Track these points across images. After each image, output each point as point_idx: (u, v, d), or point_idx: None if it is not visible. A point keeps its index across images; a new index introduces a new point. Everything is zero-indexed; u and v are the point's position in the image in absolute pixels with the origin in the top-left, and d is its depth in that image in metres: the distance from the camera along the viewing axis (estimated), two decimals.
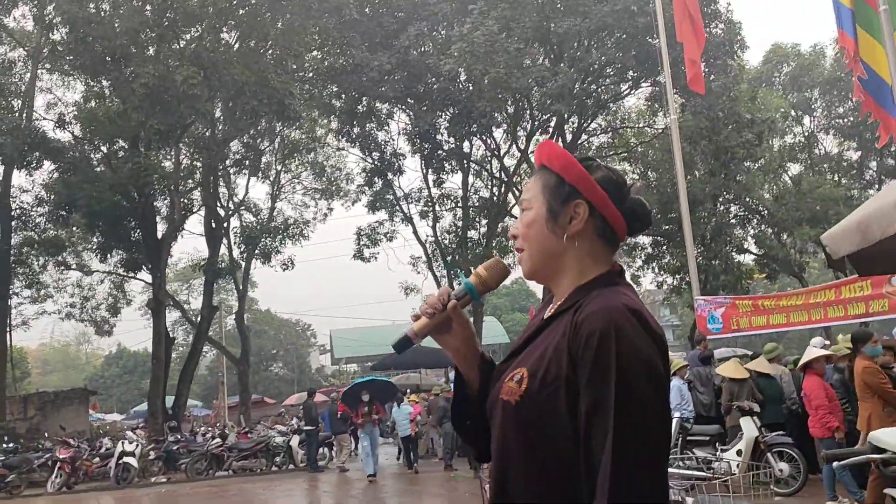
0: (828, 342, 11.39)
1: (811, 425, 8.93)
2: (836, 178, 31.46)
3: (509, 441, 1.57)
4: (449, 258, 26.83)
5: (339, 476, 17.70)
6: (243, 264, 29.53)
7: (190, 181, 26.40)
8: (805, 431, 9.30)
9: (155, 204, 25.16)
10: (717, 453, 10.78)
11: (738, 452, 10.54)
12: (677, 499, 2.97)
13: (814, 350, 9.43)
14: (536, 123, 25.47)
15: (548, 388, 1.52)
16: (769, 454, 10.22)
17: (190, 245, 59.05)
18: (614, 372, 1.44)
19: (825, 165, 32.44)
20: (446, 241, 27.37)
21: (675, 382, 11.64)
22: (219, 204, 28.15)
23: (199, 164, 26.33)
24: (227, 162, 27.07)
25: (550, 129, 25.66)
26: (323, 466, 19.42)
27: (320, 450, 20.02)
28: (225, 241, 28.67)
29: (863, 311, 11.79)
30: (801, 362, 10.01)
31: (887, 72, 10.25)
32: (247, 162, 27.56)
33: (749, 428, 10.54)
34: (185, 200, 25.98)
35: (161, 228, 25.47)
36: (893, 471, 2.65)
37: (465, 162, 26.29)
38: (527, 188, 1.75)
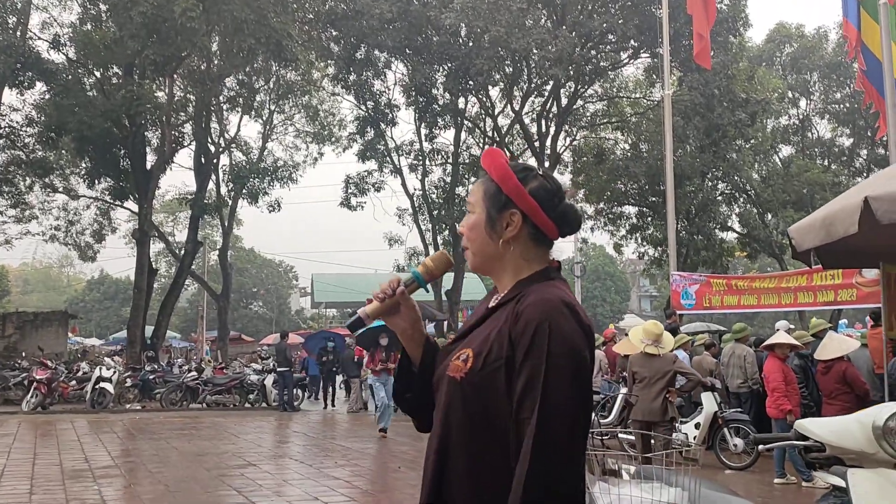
0: (792, 326, 11.68)
1: (767, 405, 9.23)
2: (826, 164, 31.62)
3: (453, 412, 1.78)
4: (435, 213, 26.96)
5: (309, 417, 18.09)
6: (230, 202, 29.50)
7: (182, 114, 26.22)
8: (764, 410, 9.61)
9: (146, 134, 25.03)
10: (677, 425, 11.16)
11: (697, 426, 10.91)
12: (614, 468, 3.18)
13: (780, 334, 9.71)
14: (533, 85, 25.39)
15: (489, 368, 1.74)
16: (726, 429, 10.57)
17: (178, 178, 58.70)
18: (545, 357, 1.66)
19: (816, 150, 32.54)
20: (434, 196, 27.47)
21: (681, 355, 11.80)
22: (209, 140, 28.02)
23: (192, 98, 26.14)
24: (221, 98, 26.87)
25: (546, 92, 25.61)
26: (297, 406, 19.84)
27: (294, 391, 20.47)
28: (213, 177, 28.60)
29: (831, 299, 12.10)
30: (765, 344, 10.32)
31: (879, 49, 10.37)
32: (240, 99, 27.34)
33: (709, 403, 10.88)
34: (176, 133, 25.82)
35: (150, 159, 25.38)
36: (814, 457, 2.87)
37: (458, 118, 26.24)
38: (472, 191, 1.93)
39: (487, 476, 1.72)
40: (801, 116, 32.46)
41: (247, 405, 20.15)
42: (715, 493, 3.17)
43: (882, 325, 5.99)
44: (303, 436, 14.64)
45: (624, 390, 10.01)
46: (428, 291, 2.00)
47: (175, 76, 24.82)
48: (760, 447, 3.26)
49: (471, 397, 1.74)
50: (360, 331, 2.06)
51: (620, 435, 9.66)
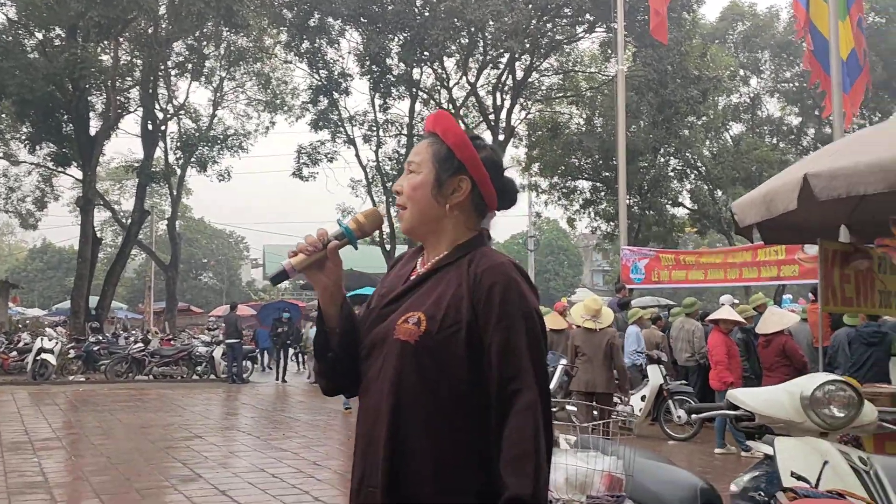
0: (736, 301, 11.92)
1: (711, 378, 9.44)
2: (775, 142, 32.21)
3: (406, 377, 1.72)
4: (389, 184, 26.77)
5: (258, 389, 17.97)
6: (179, 171, 28.88)
7: (128, 79, 25.49)
8: (709, 383, 9.81)
9: (90, 99, 24.31)
10: (623, 397, 11.36)
11: (643, 398, 11.12)
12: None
13: (724, 309, 9.89)
14: (489, 57, 25.27)
15: (448, 330, 1.71)
16: (670, 401, 10.78)
17: (124, 145, 57.39)
18: (521, 318, 1.70)
19: (766, 128, 33.12)
20: (388, 168, 27.26)
21: (633, 329, 12.02)
22: (157, 106, 27.29)
23: (138, 63, 25.36)
24: (169, 63, 26.15)
25: (502, 65, 25.51)
26: (246, 379, 19.67)
27: (244, 363, 20.29)
28: (161, 144, 27.93)
29: (775, 275, 12.36)
30: (709, 318, 10.53)
31: (827, 29, 10.53)
32: (189, 65, 26.64)
33: (655, 375, 11.08)
34: (122, 99, 25.13)
35: (95, 125, 24.69)
36: (744, 426, 2.92)
37: (413, 89, 26.00)
38: (416, 151, 1.87)
39: (447, 439, 1.69)
40: (751, 94, 32.94)
41: (195, 377, 19.90)
42: (649, 461, 3.21)
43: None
44: (251, 408, 14.53)
45: (564, 362, 10.17)
46: (356, 248, 1.92)
47: (121, 39, 24.07)
48: (694, 416, 3.30)
49: (426, 361, 1.71)
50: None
51: (568, 407, 9.80)
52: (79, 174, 25.09)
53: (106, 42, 23.46)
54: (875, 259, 5.71)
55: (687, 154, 28.02)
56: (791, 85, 31.75)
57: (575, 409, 8.89)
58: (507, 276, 1.71)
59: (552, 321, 12.60)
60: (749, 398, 2.86)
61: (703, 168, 29.34)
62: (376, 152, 26.81)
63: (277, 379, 20.00)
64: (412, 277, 1.86)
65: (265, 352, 25.13)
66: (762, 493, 2.77)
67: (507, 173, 1.91)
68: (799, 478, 2.32)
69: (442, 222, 1.83)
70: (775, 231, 5.85)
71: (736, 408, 2.87)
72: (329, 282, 1.86)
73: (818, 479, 2.27)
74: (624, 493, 2.86)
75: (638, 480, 3.01)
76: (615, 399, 11.25)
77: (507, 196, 1.89)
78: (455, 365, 1.70)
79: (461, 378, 1.70)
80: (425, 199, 1.82)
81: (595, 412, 8.23)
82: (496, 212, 1.91)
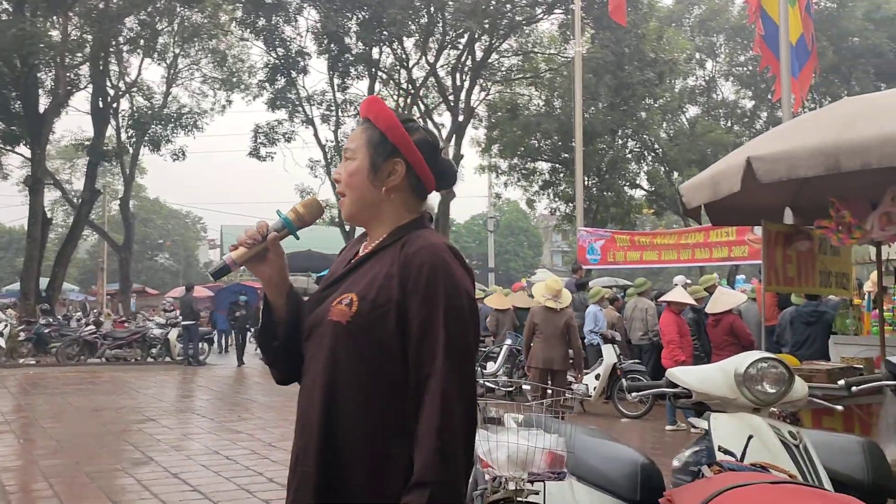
0: (689, 281, 12.15)
1: (663, 357, 9.63)
2: (729, 125, 32.70)
3: (340, 357, 1.75)
4: None
5: (214, 371, 17.83)
6: (131, 149, 28.30)
7: (78, 55, 24.80)
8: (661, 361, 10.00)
9: (38, 75, 23.66)
10: (578, 375, 11.53)
11: (597, 377, 11.30)
12: (494, 415, 3.25)
13: (676, 291, 10.08)
14: (448, 38, 25.17)
15: (379, 310, 1.73)
16: (624, 380, 10.96)
17: (75, 123, 55.98)
18: (443, 296, 1.69)
19: (721, 111, 33.59)
20: None
21: (592, 308, 12.17)
22: (108, 83, 26.66)
23: (88, 38, 24.68)
24: (120, 39, 25.51)
25: (461, 45, 25.44)
26: (202, 361, 19.50)
27: (200, 345, 20.11)
28: (113, 122, 27.32)
29: (726, 255, 12.64)
30: (661, 299, 10.71)
31: (777, 14, 10.70)
32: (141, 41, 26.02)
33: (609, 355, 11.27)
34: (72, 75, 24.46)
35: (44, 102, 24.03)
36: (682, 403, 3.00)
37: (372, 69, 25.80)
38: (351, 138, 1.89)
39: (379, 418, 1.71)
40: (707, 78, 33.36)
41: (149, 360, 19.67)
42: (591, 438, 3.28)
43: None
44: (207, 390, 14.43)
45: (508, 342, 10.34)
46: (298, 238, 1.94)
47: (70, 14, 23.42)
48: (634, 394, 3.38)
49: (359, 341, 1.73)
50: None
51: (524, 386, 9.92)
52: (27, 153, 24.46)
53: (55, 17, 22.81)
54: (816, 240, 5.85)
55: (644, 136, 28.33)
56: (745, 69, 32.20)
57: (529, 388, 9.04)
58: (436, 256, 1.72)
59: (496, 301, 12.80)
60: (686, 376, 2.94)
61: (660, 150, 29.69)
62: (335, 132, 26.58)
63: (240, 365, 19.39)
64: (353, 261, 1.88)
65: (222, 334, 24.91)
66: (698, 468, 2.86)
67: (444, 154, 1.93)
68: (726, 452, 2.40)
69: (381, 206, 1.85)
70: (722, 213, 5.96)
71: (675, 385, 2.95)
72: (272, 273, 1.88)
73: (743, 453, 2.34)
74: (565, 470, 2.91)
75: (580, 457, 3.08)
76: (569, 378, 11.45)
77: (445, 177, 1.91)
78: (386, 344, 1.71)
79: (393, 356, 1.71)
80: (362, 184, 1.83)
81: (549, 392, 8.46)
82: (440, 192, 1.93)
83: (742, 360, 2.77)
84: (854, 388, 3.83)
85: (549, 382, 8.65)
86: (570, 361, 9.72)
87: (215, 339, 22.91)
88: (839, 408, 3.52)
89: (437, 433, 1.60)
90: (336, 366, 1.75)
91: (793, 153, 4.38)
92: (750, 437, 2.41)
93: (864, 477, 3.02)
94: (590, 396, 11.20)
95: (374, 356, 1.72)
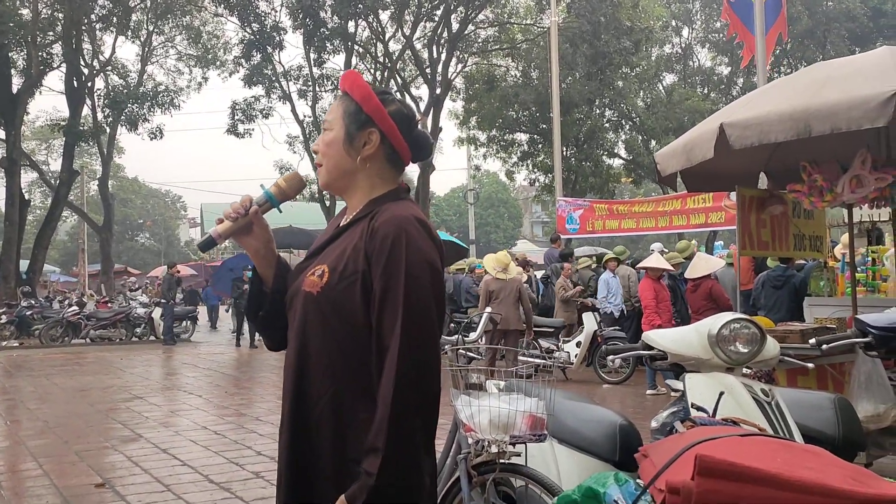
0: (665, 249, 12.27)
1: (642, 322, 9.78)
2: (706, 92, 32.78)
3: (309, 325, 1.82)
4: None
5: (196, 348, 17.85)
6: (108, 129, 27.99)
7: (50, 34, 24.39)
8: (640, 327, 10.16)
9: (10, 55, 23.26)
10: (560, 343, 11.70)
11: (578, 344, 11.45)
12: (475, 381, 3.35)
13: (653, 257, 10.21)
14: (424, 10, 24.99)
15: (346, 281, 1.79)
16: (604, 347, 11.12)
17: (49, 103, 55.10)
18: (404, 267, 1.72)
19: (697, 78, 33.65)
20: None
21: (605, 275, 12.17)
22: (82, 61, 26.29)
23: (60, 16, 24.30)
24: (93, 16, 25.11)
25: (437, 17, 25.27)
26: (180, 339, 19.50)
27: (184, 323, 20.12)
28: (88, 102, 26.98)
29: (702, 222, 12.79)
30: (639, 266, 10.84)
31: None
32: (114, 18, 25.60)
33: (589, 322, 11.42)
34: (44, 54, 24.07)
35: (17, 83, 23.70)
36: (658, 365, 3.10)
37: (348, 43, 25.58)
38: (330, 111, 1.95)
39: (348, 385, 1.77)
40: (683, 45, 33.38)
41: (134, 339, 19.66)
42: (571, 402, 3.38)
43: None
44: (193, 367, 14.46)
45: (489, 310, 10.53)
46: (281, 212, 2.00)
47: None
48: (611, 357, 3.48)
49: (328, 311, 1.79)
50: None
51: (521, 357, 10.17)
52: (1, 134, 24.13)
53: None
54: (790, 203, 5.97)
55: (621, 105, 28.35)
56: (721, 36, 32.20)
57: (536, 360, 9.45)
58: (400, 227, 1.75)
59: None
60: (661, 338, 3.03)
61: (637, 119, 29.75)
62: (313, 107, 26.41)
63: (253, 345, 17.56)
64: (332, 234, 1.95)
65: (213, 310, 24.90)
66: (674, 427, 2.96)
67: (420, 126, 1.98)
68: (699, 409, 2.50)
69: (356, 175, 1.90)
70: (697, 179, 6.07)
71: (651, 348, 3.05)
72: (259, 244, 1.95)
73: (715, 409, 2.44)
74: (545, 432, 3.01)
75: (560, 419, 3.18)
76: (552, 346, 11.61)
77: (420, 148, 1.95)
78: (353, 314, 1.77)
79: (359, 326, 1.76)
80: (338, 153, 1.89)
81: (503, 355, 9.15)
82: (417, 163, 1.98)
83: (715, 322, 2.87)
84: (824, 347, 3.95)
85: (504, 342, 9.91)
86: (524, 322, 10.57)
87: (207, 315, 22.80)
88: (810, 366, 3.65)
89: (391, 402, 1.65)
90: (306, 334, 1.82)
91: (764, 119, 4.48)
92: (721, 394, 2.51)
93: (834, 432, 3.13)
94: (571, 364, 11.37)
95: (342, 325, 1.78)
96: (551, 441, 3.22)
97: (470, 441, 3.12)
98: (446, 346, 3.78)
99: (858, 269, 7.08)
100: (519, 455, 3.06)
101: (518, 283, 10.35)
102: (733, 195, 11.59)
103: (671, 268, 10.16)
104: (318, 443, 1.78)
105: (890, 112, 3.95)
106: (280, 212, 1.98)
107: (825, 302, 7.07)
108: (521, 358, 10.13)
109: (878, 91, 4.03)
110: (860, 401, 4.32)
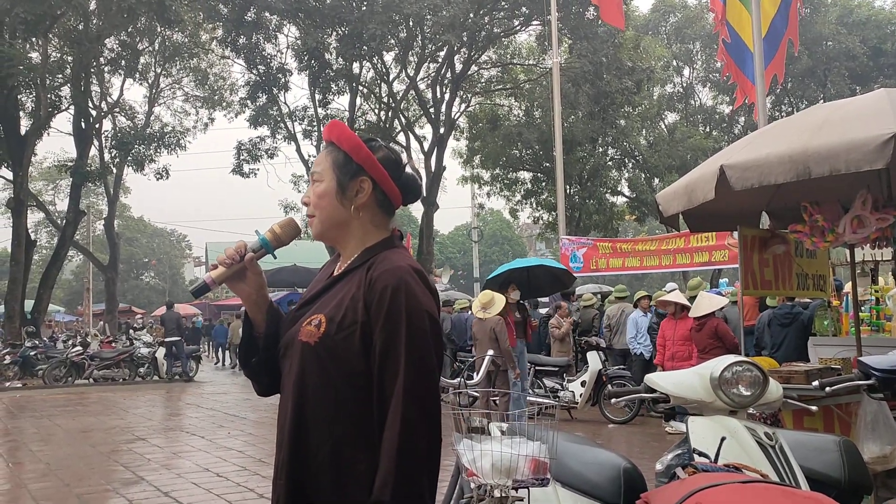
0: (676, 288, 12.27)
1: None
2: (708, 130, 33.06)
3: (308, 375, 1.82)
4: None
5: (200, 388, 17.77)
6: (115, 170, 28.23)
7: (59, 76, 24.76)
8: (650, 367, 10.13)
9: (19, 97, 23.58)
10: (564, 383, 11.64)
11: (583, 384, 11.40)
12: (477, 425, 3.33)
13: (675, 294, 10.22)
14: (427, 51, 25.33)
15: (345, 331, 1.80)
16: (609, 386, 11.07)
17: (57, 144, 55.71)
18: (404, 318, 1.74)
19: (699, 117, 33.98)
20: None
21: (635, 315, 11.96)
22: (90, 103, 26.61)
23: (69, 59, 24.69)
24: (101, 59, 25.50)
25: (441, 58, 25.60)
26: (192, 377, 19.45)
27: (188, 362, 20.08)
28: (96, 143, 27.28)
29: (706, 260, 12.78)
30: (660, 300, 10.79)
31: (751, 38, 10.90)
32: (123, 62, 26.00)
33: (594, 361, 11.37)
34: (53, 97, 24.39)
35: (25, 124, 23.95)
36: (660, 408, 3.09)
37: (353, 84, 25.92)
38: (317, 162, 1.97)
39: (347, 434, 1.77)
40: (684, 84, 33.73)
41: (137, 379, 19.59)
42: (574, 444, 3.36)
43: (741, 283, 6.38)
44: (196, 407, 14.39)
45: (490, 352, 10.45)
46: (275, 258, 2.02)
47: (50, 35, 23.40)
48: (614, 400, 3.47)
49: (326, 361, 1.79)
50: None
51: (529, 398, 10.08)
52: (9, 175, 24.34)
53: (34, 39, 22.77)
54: (793, 243, 5.98)
55: (624, 143, 28.58)
56: (721, 75, 32.57)
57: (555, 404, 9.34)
58: (398, 279, 1.77)
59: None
60: (663, 381, 3.02)
61: (640, 157, 29.96)
62: (317, 147, 26.65)
63: None
64: (326, 282, 1.96)
65: (220, 348, 24.88)
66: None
67: (408, 168, 2.00)
68: (701, 454, 2.49)
69: (349, 224, 1.92)
70: (699, 219, 6.09)
71: (654, 391, 3.04)
72: (251, 290, 1.96)
73: (717, 454, 2.43)
74: (548, 476, 2.99)
75: (563, 462, 3.16)
76: (557, 385, 11.54)
77: (409, 191, 1.98)
78: (353, 364, 1.78)
79: (359, 376, 1.77)
80: (331, 204, 1.91)
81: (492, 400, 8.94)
82: (404, 206, 2.00)
83: (717, 364, 2.86)
84: (828, 389, 3.92)
85: (493, 383, 9.45)
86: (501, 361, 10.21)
87: (214, 353, 22.79)
88: (814, 408, 3.63)
89: (396, 453, 1.66)
90: (305, 384, 1.82)
91: (764, 161, 4.50)
92: (723, 439, 2.50)
93: (840, 475, 3.10)
94: (576, 404, 11.30)
95: (341, 376, 1.78)
96: (555, 485, 3.19)
97: (472, 486, 3.10)
98: (449, 389, 3.77)
99: (862, 308, 7.06)
100: (522, 500, 3.03)
101: (494, 322, 9.86)
102: (737, 234, 11.69)
103: (688, 303, 10.13)
104: (317, 493, 1.78)
105: (888, 154, 3.97)
106: (275, 258, 1.99)
107: (829, 342, 7.03)
108: (529, 398, 10.07)
109: (876, 133, 4.06)
110: (867, 442, 4.28)
